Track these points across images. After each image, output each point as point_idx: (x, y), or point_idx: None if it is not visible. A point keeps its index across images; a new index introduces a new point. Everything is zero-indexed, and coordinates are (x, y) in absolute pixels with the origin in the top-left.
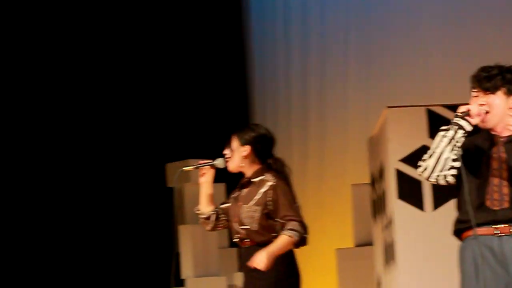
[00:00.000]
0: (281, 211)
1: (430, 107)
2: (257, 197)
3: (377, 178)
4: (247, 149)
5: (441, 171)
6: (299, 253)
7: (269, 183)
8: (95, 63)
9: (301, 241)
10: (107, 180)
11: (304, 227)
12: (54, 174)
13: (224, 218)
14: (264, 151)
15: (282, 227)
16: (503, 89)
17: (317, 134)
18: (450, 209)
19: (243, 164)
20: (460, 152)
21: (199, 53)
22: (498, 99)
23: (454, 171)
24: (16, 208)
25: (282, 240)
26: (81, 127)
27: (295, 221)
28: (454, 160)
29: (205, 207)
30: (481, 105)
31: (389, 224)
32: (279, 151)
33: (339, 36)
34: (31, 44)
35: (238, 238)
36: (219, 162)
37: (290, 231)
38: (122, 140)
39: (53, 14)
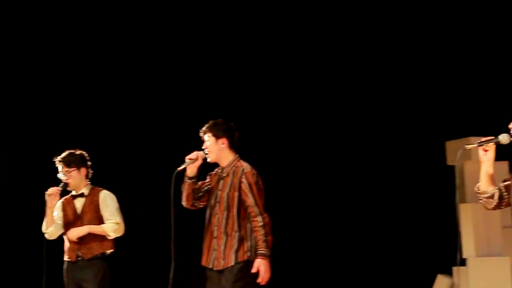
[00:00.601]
0: None
1: None
2: None
3: None
4: None
5: None
6: None
7: None
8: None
9: None
10: (387, 158)
11: None
12: (338, 160)
13: (507, 197)
14: None
15: None
16: None
17: None
18: None
19: None
20: None
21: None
22: None
23: None
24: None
25: None
26: (363, 112)
27: None
28: None
29: (485, 186)
30: None
31: None
32: None
33: None
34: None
35: None
36: (503, 139)
37: None
38: (401, 118)
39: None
